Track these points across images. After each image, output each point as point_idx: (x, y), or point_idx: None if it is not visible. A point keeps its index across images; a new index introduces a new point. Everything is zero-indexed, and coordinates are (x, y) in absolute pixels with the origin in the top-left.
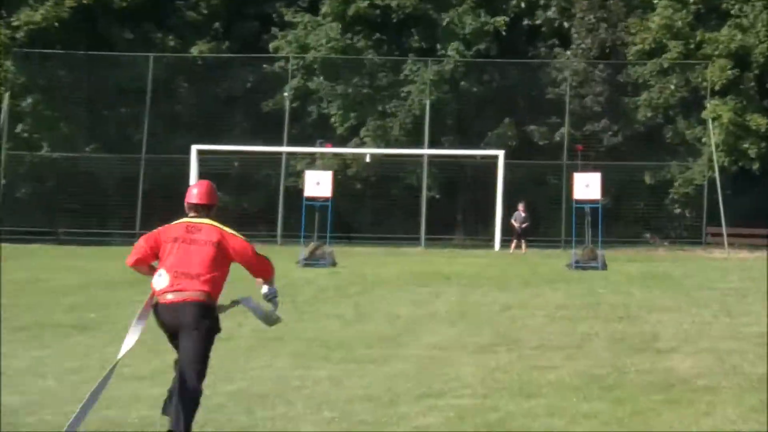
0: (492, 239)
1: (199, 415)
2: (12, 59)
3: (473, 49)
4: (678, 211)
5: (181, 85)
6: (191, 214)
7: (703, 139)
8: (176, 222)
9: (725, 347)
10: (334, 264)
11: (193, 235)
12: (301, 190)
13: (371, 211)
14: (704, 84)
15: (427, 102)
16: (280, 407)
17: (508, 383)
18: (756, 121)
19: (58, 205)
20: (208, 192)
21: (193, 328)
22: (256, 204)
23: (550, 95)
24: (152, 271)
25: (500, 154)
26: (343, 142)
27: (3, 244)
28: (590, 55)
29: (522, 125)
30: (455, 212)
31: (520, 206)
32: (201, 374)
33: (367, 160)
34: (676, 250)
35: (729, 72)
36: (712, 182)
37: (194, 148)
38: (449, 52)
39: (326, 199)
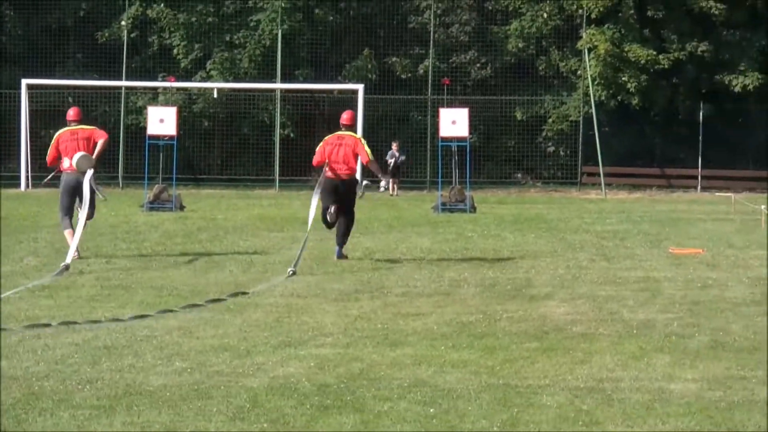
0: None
1: (41, 367)
2: None
3: None
4: (551, 149)
5: (5, 14)
6: (343, 130)
7: (579, 72)
8: (330, 135)
9: (603, 293)
10: (181, 208)
11: (340, 140)
12: (144, 128)
13: (220, 150)
14: (579, 12)
15: (279, 32)
16: (128, 358)
17: (372, 332)
18: (636, 51)
19: None
20: (351, 116)
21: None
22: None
23: (412, 24)
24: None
25: (359, 88)
26: (187, 75)
27: None
28: None
29: (383, 57)
30: (311, 152)
31: (394, 145)
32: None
33: (215, 95)
34: (550, 191)
35: None
36: (588, 118)
37: (24, 83)
38: None
39: (171, 138)
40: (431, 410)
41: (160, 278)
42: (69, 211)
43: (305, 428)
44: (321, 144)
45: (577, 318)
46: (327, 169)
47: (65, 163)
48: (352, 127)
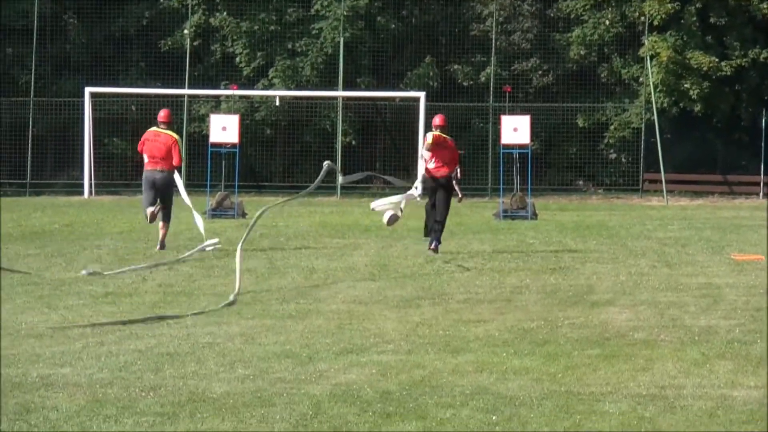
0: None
1: (105, 374)
2: None
3: None
4: (613, 156)
5: (69, 23)
6: (438, 131)
7: (641, 79)
8: (436, 133)
9: (664, 299)
10: (243, 215)
11: (445, 142)
12: (206, 136)
13: (282, 158)
14: (642, 18)
15: (341, 40)
16: (191, 365)
17: (434, 338)
18: (698, 58)
19: None
20: (443, 118)
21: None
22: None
23: (474, 32)
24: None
25: (421, 95)
26: (249, 83)
27: None
28: None
29: (444, 64)
30: (373, 159)
31: None
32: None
33: (277, 103)
34: (612, 197)
35: (669, 5)
36: (650, 125)
37: (87, 91)
38: None
39: (233, 146)
40: (494, 418)
41: (222, 285)
42: (151, 204)
43: None
44: (431, 137)
45: (639, 324)
46: (428, 166)
47: (146, 159)
48: (445, 128)
